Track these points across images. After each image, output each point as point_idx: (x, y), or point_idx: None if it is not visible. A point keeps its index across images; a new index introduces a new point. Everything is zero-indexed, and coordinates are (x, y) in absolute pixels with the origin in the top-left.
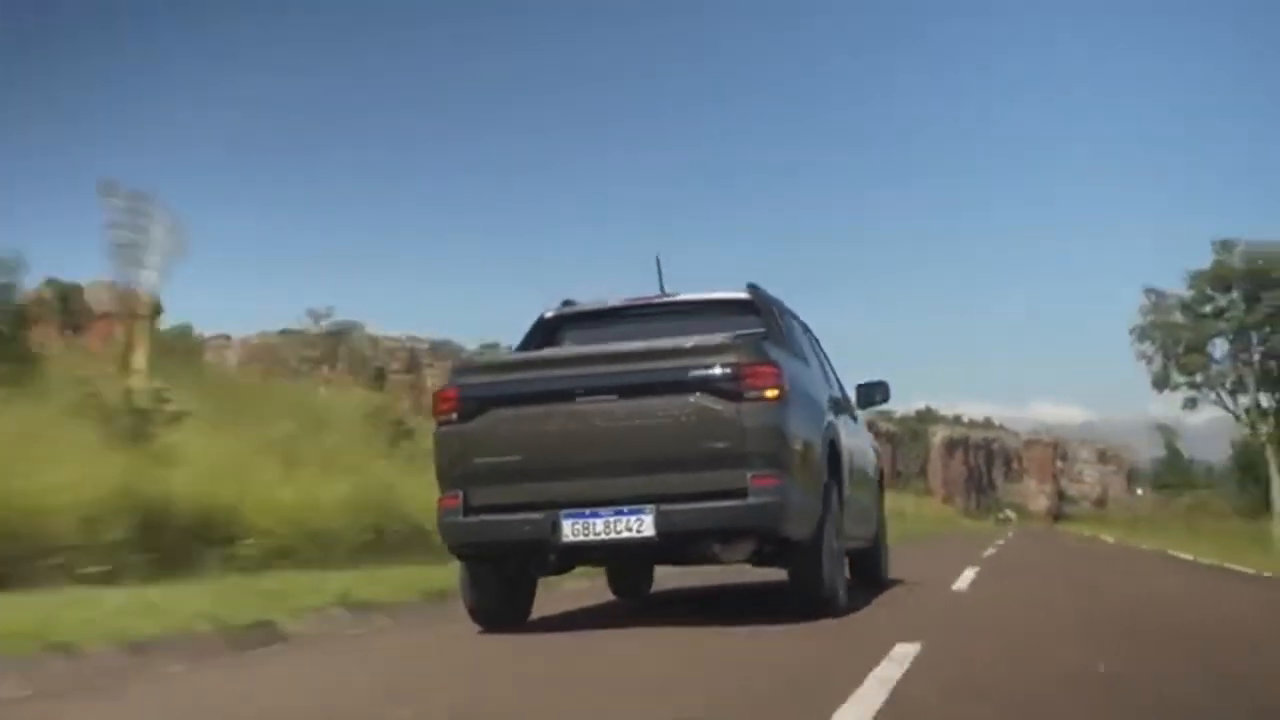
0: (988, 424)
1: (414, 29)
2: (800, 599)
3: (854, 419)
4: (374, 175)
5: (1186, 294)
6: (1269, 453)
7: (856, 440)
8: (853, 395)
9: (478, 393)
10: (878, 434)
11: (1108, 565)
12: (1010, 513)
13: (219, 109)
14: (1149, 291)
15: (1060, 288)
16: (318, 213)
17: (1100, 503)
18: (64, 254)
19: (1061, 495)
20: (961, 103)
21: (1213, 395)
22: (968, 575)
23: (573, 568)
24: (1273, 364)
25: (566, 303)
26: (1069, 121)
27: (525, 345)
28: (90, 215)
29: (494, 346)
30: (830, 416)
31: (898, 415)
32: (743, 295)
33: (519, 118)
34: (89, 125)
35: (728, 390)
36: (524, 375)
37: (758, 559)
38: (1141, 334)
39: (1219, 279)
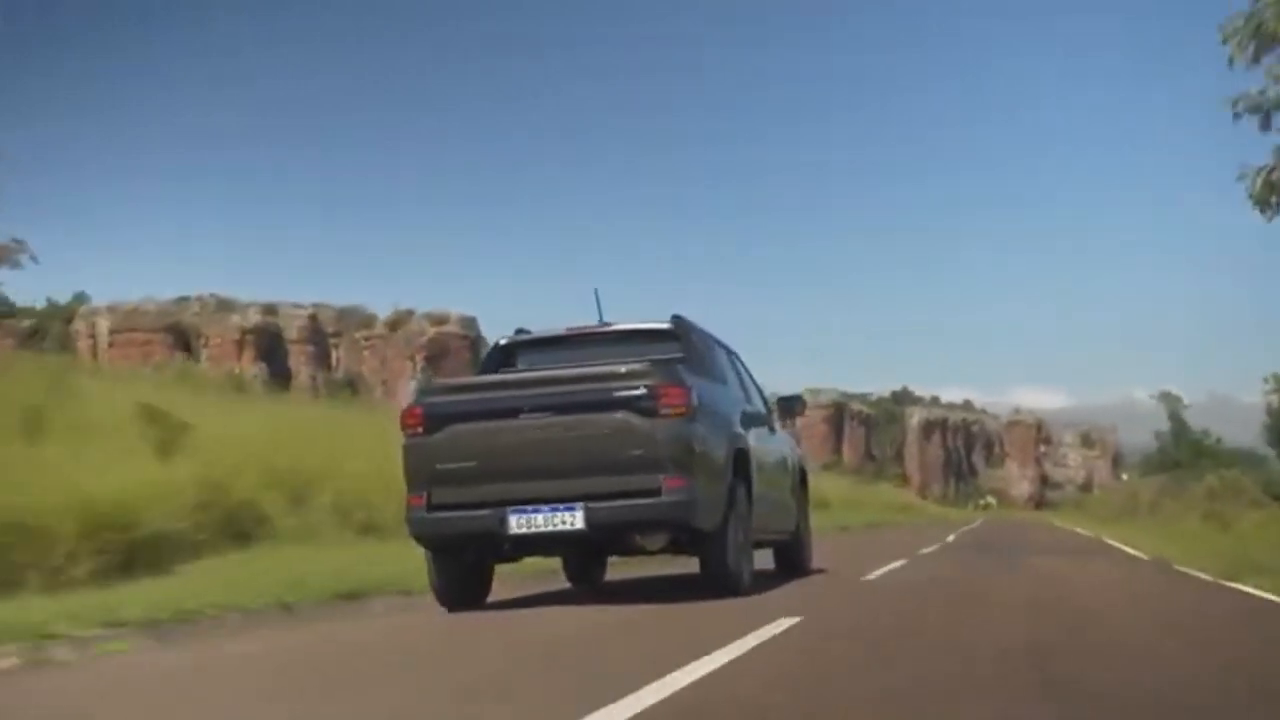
0: (968, 406)
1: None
2: (709, 582)
3: (771, 429)
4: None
5: None
6: None
7: (770, 446)
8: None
9: (439, 410)
10: (851, 416)
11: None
12: (991, 499)
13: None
14: None
15: (1040, 271)
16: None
17: (1086, 488)
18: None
19: (1045, 480)
20: (942, 91)
21: None
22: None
23: (522, 557)
24: None
25: (519, 331)
26: (1049, 100)
27: (485, 367)
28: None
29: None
30: (738, 428)
31: (873, 397)
32: (666, 325)
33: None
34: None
35: (645, 408)
36: (477, 396)
37: (673, 548)
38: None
39: None
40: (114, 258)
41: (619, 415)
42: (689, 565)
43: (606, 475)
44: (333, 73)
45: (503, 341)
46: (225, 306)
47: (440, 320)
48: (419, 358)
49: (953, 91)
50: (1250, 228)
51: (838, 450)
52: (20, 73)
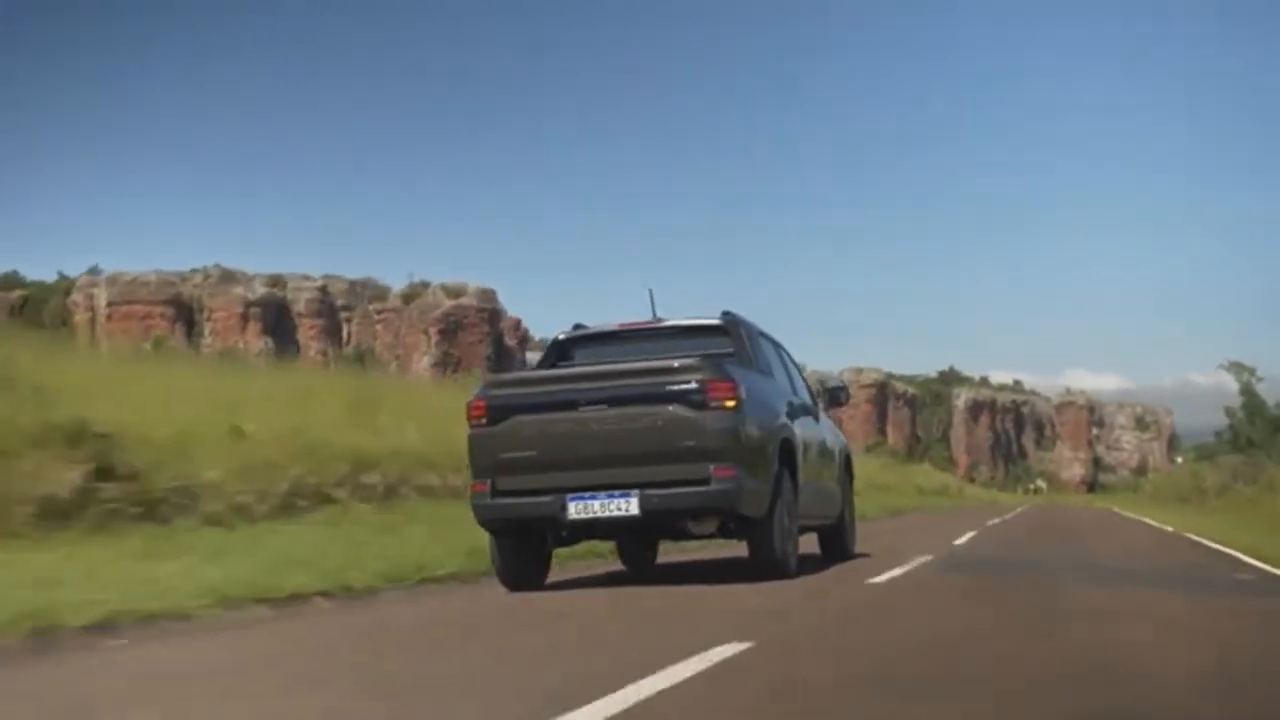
0: (1017, 387)
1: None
2: (757, 565)
3: (816, 419)
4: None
5: None
6: None
7: (815, 435)
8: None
9: (502, 403)
10: (895, 396)
11: None
12: (1042, 482)
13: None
14: None
15: (1095, 253)
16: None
17: (1139, 471)
18: (71, 247)
19: (1098, 463)
20: (1002, 61)
21: None
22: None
23: (580, 541)
24: None
25: (577, 326)
26: (1113, 81)
27: (544, 361)
28: None
29: (421, 286)
30: (784, 419)
31: (918, 378)
32: (716, 321)
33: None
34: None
35: (695, 401)
36: (538, 389)
37: (723, 533)
38: None
39: None
40: (126, 232)
41: (671, 408)
42: (738, 549)
43: (659, 464)
44: (351, 41)
45: (561, 336)
46: (229, 278)
47: (457, 292)
48: (433, 331)
49: (1000, 58)
50: None
51: (882, 431)
52: (26, 51)
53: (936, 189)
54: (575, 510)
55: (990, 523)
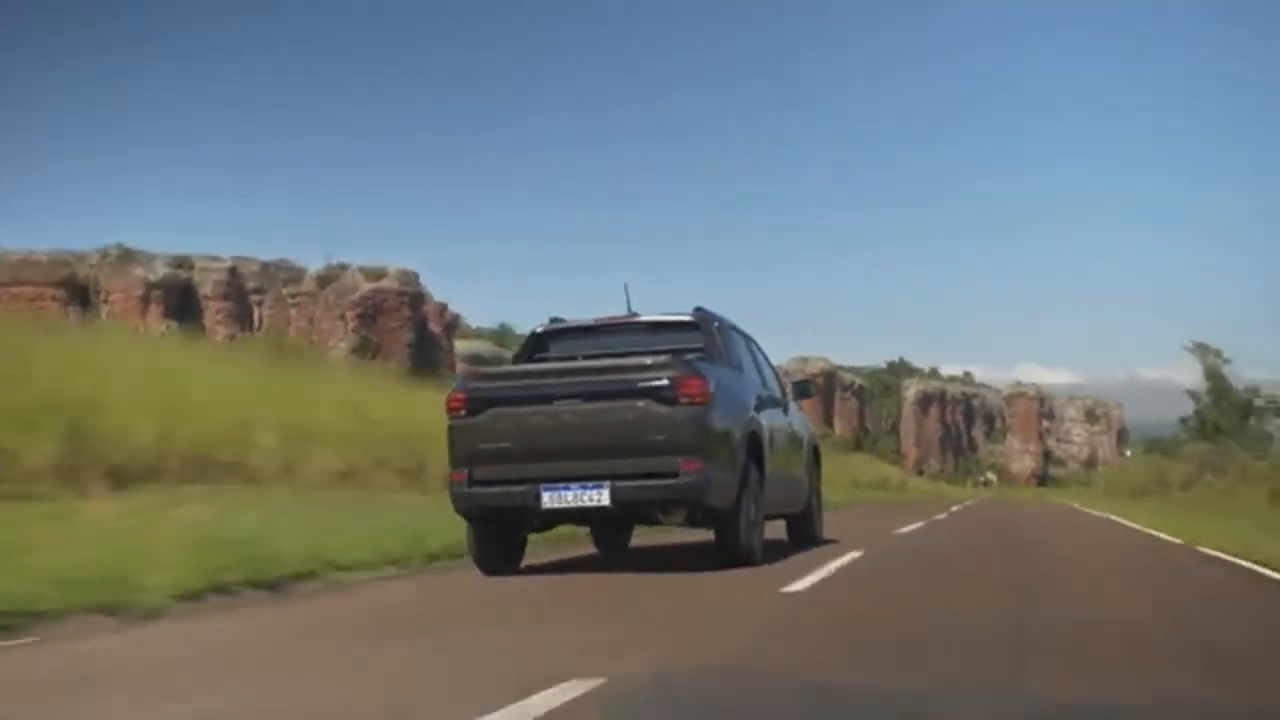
0: (968, 379)
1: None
2: (723, 553)
3: (784, 411)
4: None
5: None
6: None
7: (783, 427)
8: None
9: (480, 395)
10: (842, 387)
11: None
12: (992, 475)
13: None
14: None
15: (1044, 247)
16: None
17: (1089, 464)
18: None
19: (1048, 456)
20: (953, 64)
21: None
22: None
23: (553, 528)
24: None
25: (554, 320)
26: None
27: (521, 354)
28: None
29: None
30: (752, 413)
31: (867, 370)
32: (689, 317)
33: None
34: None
35: (665, 397)
36: (515, 383)
37: (691, 523)
38: None
39: None
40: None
41: (642, 403)
42: (707, 534)
43: (630, 457)
44: (264, 21)
45: (538, 330)
46: (129, 258)
47: (377, 275)
48: (351, 316)
49: (956, 60)
50: (1259, 204)
51: (829, 423)
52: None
53: (898, 184)
54: (549, 500)
55: (902, 530)
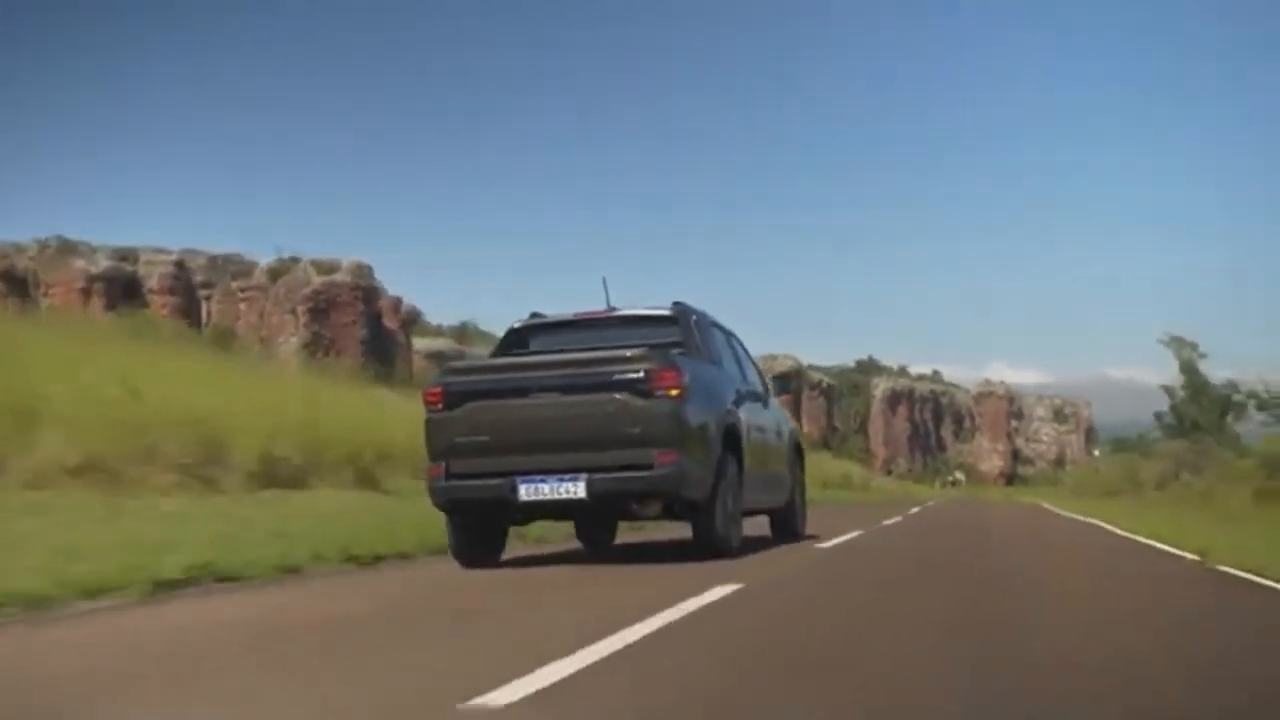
0: (936, 378)
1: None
2: (700, 546)
3: (765, 406)
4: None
5: None
6: None
7: (763, 423)
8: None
9: (458, 389)
10: (810, 385)
11: None
12: (960, 475)
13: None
14: None
15: (1013, 247)
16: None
17: (1058, 463)
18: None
19: (1016, 455)
20: (919, 58)
21: None
22: None
23: (532, 521)
24: None
25: (534, 315)
26: (1034, 80)
27: (499, 349)
28: None
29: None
30: (730, 406)
31: (835, 368)
32: (667, 311)
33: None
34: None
35: (641, 389)
36: (492, 377)
37: (667, 515)
38: None
39: None
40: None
41: (618, 396)
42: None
43: (606, 450)
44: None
45: (517, 325)
46: (69, 249)
47: (329, 269)
48: (302, 311)
49: (931, 59)
50: (1225, 207)
51: (796, 421)
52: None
53: (867, 184)
54: (525, 493)
55: (824, 545)
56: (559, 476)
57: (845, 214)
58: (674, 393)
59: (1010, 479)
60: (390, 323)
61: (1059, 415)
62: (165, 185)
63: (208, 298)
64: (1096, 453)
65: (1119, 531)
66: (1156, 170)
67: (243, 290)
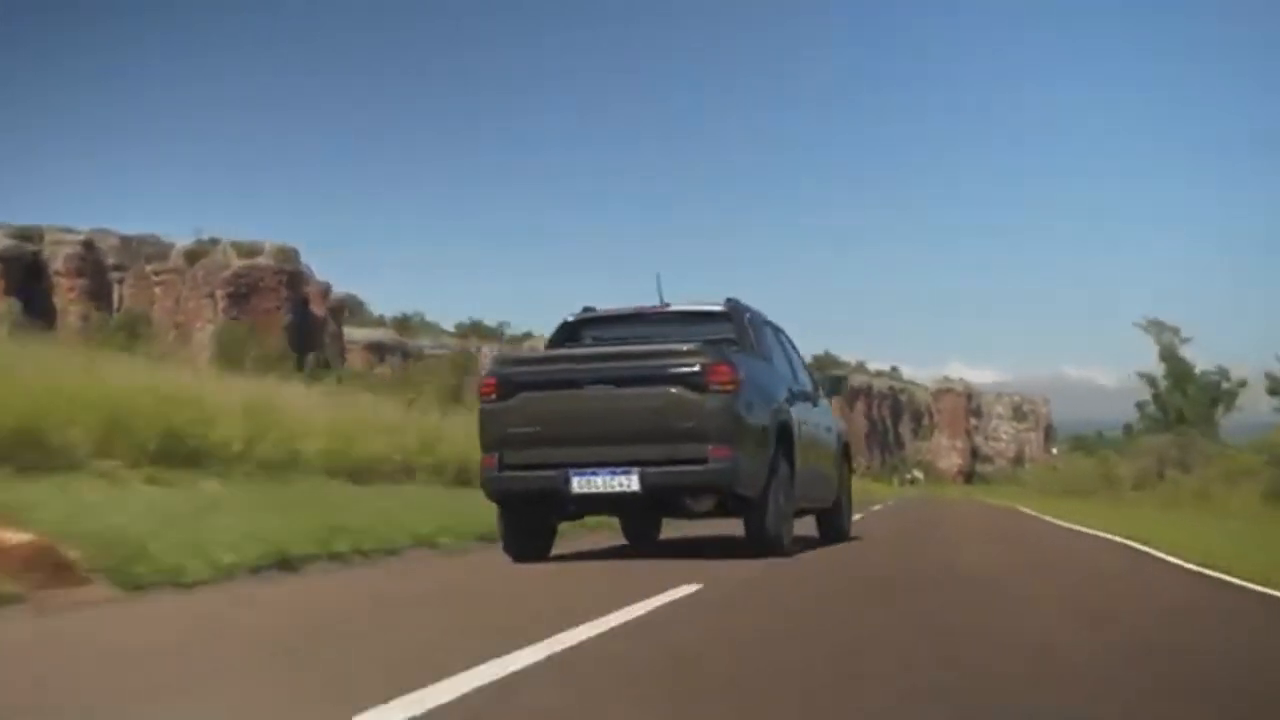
0: (895, 374)
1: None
2: (751, 542)
3: (815, 405)
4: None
5: None
6: None
7: (814, 422)
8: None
9: (512, 379)
10: None
11: None
12: (919, 473)
13: None
14: None
15: (971, 246)
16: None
17: (1017, 461)
18: None
19: (975, 453)
20: (881, 52)
21: None
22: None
23: (584, 515)
24: None
25: (586, 308)
26: (993, 67)
27: (552, 342)
28: None
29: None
30: (783, 403)
31: None
32: (720, 307)
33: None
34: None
35: (696, 384)
36: (546, 368)
37: (720, 511)
38: None
39: None
40: None
41: (673, 390)
42: (737, 526)
43: (660, 443)
44: None
45: (570, 318)
46: None
47: (251, 251)
48: (221, 296)
49: (896, 54)
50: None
51: None
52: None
53: (828, 182)
54: (578, 485)
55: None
56: (612, 469)
57: (804, 211)
58: (728, 388)
59: (969, 477)
60: (318, 309)
61: (1018, 413)
62: (73, 160)
63: (120, 281)
64: (1055, 450)
65: (1155, 553)
66: (1116, 170)
67: (157, 273)
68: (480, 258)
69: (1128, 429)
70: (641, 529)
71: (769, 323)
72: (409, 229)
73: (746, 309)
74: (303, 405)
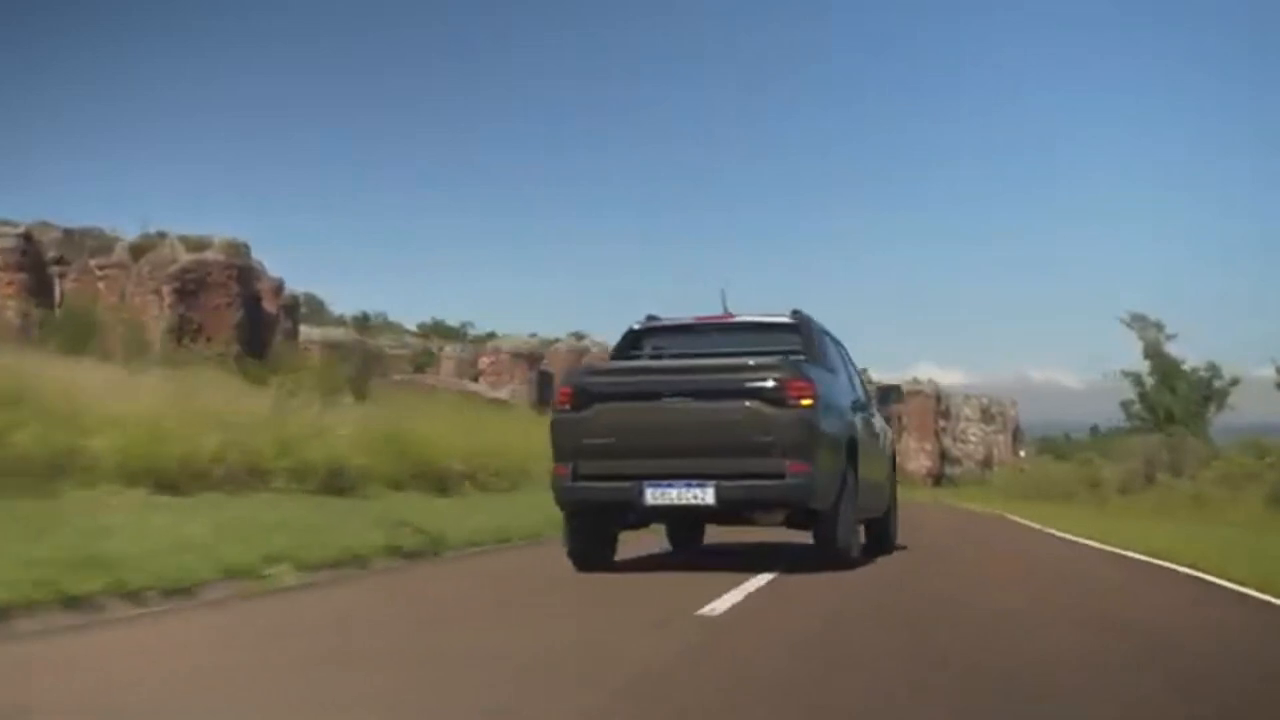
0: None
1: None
2: (823, 553)
3: (871, 415)
4: None
5: None
6: None
7: (871, 433)
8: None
9: (588, 390)
10: None
11: None
12: None
13: None
14: None
15: (935, 247)
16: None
17: (985, 464)
18: None
19: (944, 455)
20: (847, 57)
21: None
22: None
23: (649, 524)
24: None
25: (650, 318)
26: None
27: (618, 351)
28: None
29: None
30: (851, 417)
31: None
32: (787, 319)
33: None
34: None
35: (773, 398)
36: (622, 379)
37: (789, 524)
38: None
39: None
40: None
41: (750, 404)
42: (777, 533)
43: (736, 457)
44: None
45: (636, 327)
46: None
47: (199, 245)
48: (167, 291)
49: (868, 57)
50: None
51: None
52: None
53: (793, 179)
54: (652, 496)
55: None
56: (686, 482)
57: (770, 214)
58: (806, 402)
59: (938, 479)
60: (270, 306)
61: (986, 415)
62: (12, 152)
63: (61, 276)
64: (1023, 453)
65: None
66: (1083, 170)
67: (101, 268)
68: (446, 258)
69: (1094, 430)
70: (686, 535)
71: (828, 333)
72: (373, 229)
73: (811, 320)
74: (102, 391)
